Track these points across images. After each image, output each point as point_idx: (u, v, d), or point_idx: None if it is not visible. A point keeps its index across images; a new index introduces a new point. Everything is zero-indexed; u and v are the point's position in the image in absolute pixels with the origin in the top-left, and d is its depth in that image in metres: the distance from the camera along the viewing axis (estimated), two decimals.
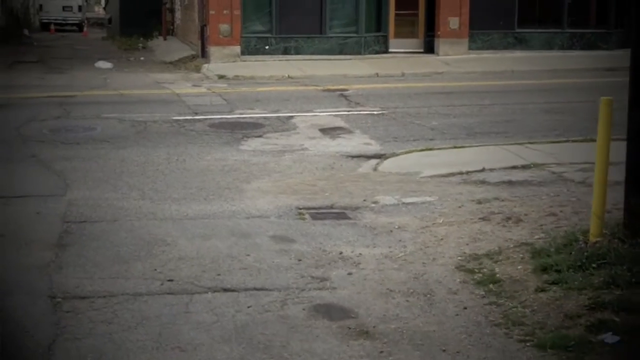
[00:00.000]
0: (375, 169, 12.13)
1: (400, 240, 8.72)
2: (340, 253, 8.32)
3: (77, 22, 49.74)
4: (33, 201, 10.24)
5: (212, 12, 25.68)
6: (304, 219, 9.60)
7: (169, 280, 7.55)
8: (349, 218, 9.64)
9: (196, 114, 16.65)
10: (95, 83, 21.83)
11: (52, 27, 46.14)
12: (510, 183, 11.01)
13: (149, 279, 7.62)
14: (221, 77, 22.73)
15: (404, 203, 10.18)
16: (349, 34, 26.57)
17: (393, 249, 8.45)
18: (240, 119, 16.05)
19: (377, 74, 23.10)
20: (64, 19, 49.49)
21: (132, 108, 17.29)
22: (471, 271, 7.70)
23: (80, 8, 50.67)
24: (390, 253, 8.31)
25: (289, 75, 22.82)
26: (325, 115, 16.42)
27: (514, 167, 11.85)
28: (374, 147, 13.57)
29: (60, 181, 11.31)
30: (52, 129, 15.01)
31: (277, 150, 13.32)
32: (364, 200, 10.33)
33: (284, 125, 15.48)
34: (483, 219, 9.36)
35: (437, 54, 26.73)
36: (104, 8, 57.43)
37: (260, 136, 14.29)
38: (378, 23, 27.15)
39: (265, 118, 15.76)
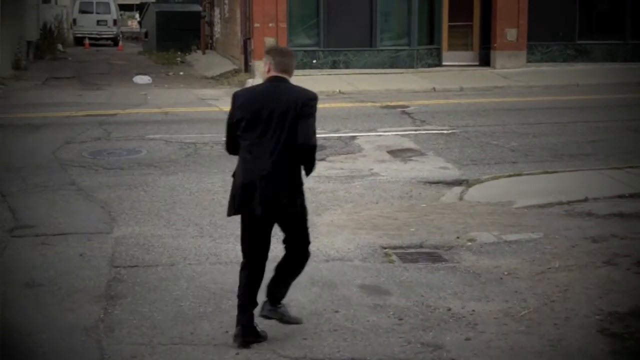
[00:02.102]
0: (460, 198, 10.64)
1: (516, 291, 7.25)
2: (449, 309, 6.86)
3: (111, 36, 48.56)
4: (75, 240, 8.85)
5: (256, 25, 24.31)
6: (392, 261, 8.17)
7: (245, 347, 6.13)
8: (445, 260, 8.19)
9: None
10: (135, 100, 20.42)
11: (87, 41, 45.04)
12: (622, 216, 9.53)
13: (220, 345, 6.21)
14: None
15: (505, 241, 8.72)
16: (400, 47, 25.06)
17: (511, 303, 6.98)
18: None
19: (433, 89, 21.60)
20: (99, 33, 48.28)
21: (179, 128, 15.87)
22: (619, 337, 6.21)
23: (115, 22, 49.50)
24: (510, 309, 6.84)
25: (340, 91, 21.36)
26: (391, 135, 14.88)
27: (621, 196, 10.38)
28: (453, 172, 12.07)
29: (104, 214, 9.91)
30: (92, 152, 13.60)
31: (345, 176, 11.87)
32: (458, 237, 8.88)
33: (348, 146, 14.01)
34: (608, 262, 7.90)
35: (494, 67, 25.20)
36: (139, 22, 56.33)
37: (323, 159, 12.78)
38: (431, 35, 25.67)
39: (325, 138, 14.23)
